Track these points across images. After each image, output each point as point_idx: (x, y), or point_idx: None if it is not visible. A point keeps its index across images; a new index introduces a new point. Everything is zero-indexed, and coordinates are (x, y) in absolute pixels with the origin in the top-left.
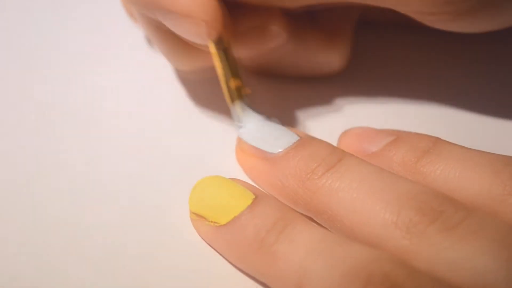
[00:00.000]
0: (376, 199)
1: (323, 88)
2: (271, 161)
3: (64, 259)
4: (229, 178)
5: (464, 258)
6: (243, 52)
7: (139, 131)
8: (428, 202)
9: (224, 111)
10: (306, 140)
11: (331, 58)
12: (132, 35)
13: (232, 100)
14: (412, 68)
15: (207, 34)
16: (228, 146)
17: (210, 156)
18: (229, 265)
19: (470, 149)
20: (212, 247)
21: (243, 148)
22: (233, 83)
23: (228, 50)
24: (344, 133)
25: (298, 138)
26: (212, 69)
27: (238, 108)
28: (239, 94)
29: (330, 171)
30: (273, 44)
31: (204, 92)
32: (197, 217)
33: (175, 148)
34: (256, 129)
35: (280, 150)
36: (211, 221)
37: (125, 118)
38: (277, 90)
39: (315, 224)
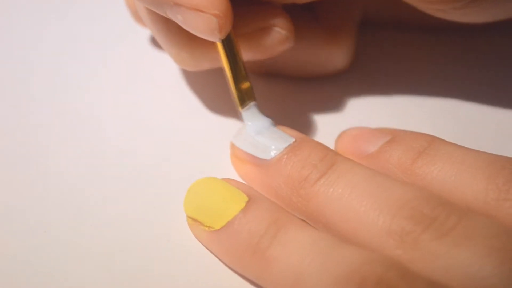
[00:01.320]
0: (368, 207)
1: (324, 88)
2: (264, 168)
3: (63, 260)
4: (223, 179)
5: (458, 264)
6: (247, 56)
7: (138, 133)
8: (420, 209)
9: (224, 111)
10: (298, 145)
11: (335, 56)
12: (133, 35)
13: (242, 104)
14: (412, 68)
15: (218, 29)
16: (226, 147)
17: (209, 157)
18: (227, 267)
19: (465, 149)
20: (209, 251)
21: (237, 154)
22: (244, 85)
23: (236, 50)
24: (341, 135)
25: (290, 142)
26: (219, 70)
27: (249, 112)
28: (249, 97)
29: (322, 178)
30: (281, 48)
31: (205, 94)
32: (193, 222)
33: (174, 150)
34: (249, 134)
35: (272, 156)
36: (206, 226)
37: (125, 120)
38: (278, 89)
39: (308, 225)
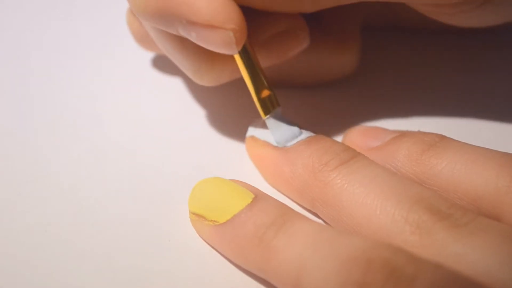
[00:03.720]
0: (387, 195)
1: (328, 94)
2: (284, 150)
3: (63, 260)
4: (229, 179)
5: (468, 251)
6: (266, 62)
7: (140, 132)
8: (438, 205)
9: (226, 113)
10: (321, 137)
11: (343, 61)
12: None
13: (266, 112)
14: (415, 71)
15: (235, 43)
16: (229, 148)
17: (211, 157)
18: (230, 265)
19: (476, 145)
20: (212, 247)
21: (255, 138)
22: (265, 93)
23: (254, 58)
24: (349, 131)
25: (312, 135)
26: (239, 81)
27: (272, 120)
28: (272, 104)
29: (344, 165)
30: (299, 49)
31: (206, 95)
32: (197, 217)
33: (175, 149)
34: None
35: (293, 143)
36: (210, 220)
37: (126, 119)
38: (285, 97)
39: (313, 221)
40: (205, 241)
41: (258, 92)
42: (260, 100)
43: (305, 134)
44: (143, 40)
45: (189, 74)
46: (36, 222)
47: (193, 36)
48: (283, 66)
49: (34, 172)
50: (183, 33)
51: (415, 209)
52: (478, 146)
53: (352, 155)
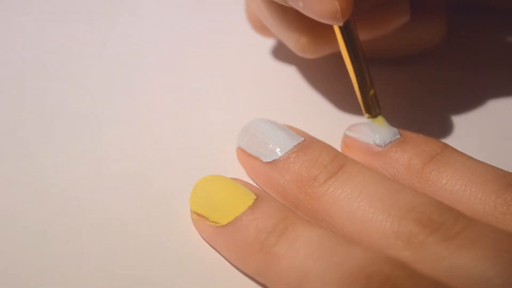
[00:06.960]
0: (377, 209)
1: (331, 87)
2: (272, 164)
3: (63, 260)
4: (230, 178)
5: (462, 266)
6: (365, 35)
7: (141, 130)
8: (428, 213)
9: (227, 109)
10: (308, 144)
11: (431, 32)
12: (134, 34)
13: (374, 112)
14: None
15: (340, 13)
16: (230, 144)
17: (212, 154)
18: (230, 265)
19: (477, 161)
20: (213, 247)
21: (243, 149)
22: (372, 91)
23: (354, 31)
24: (352, 126)
25: (300, 141)
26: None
27: (382, 121)
28: (378, 104)
29: (332, 179)
30: (399, 22)
31: (207, 90)
32: (198, 217)
33: (177, 146)
34: (255, 135)
35: (280, 155)
36: (212, 221)
37: (126, 117)
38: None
39: (315, 225)
40: (206, 241)
41: (366, 88)
42: (368, 98)
43: (293, 140)
44: (259, 26)
45: (292, 46)
46: (36, 222)
47: (300, 6)
48: (371, 40)
49: (33, 172)
50: (291, 3)
51: (405, 222)
52: (479, 163)
53: (340, 165)
